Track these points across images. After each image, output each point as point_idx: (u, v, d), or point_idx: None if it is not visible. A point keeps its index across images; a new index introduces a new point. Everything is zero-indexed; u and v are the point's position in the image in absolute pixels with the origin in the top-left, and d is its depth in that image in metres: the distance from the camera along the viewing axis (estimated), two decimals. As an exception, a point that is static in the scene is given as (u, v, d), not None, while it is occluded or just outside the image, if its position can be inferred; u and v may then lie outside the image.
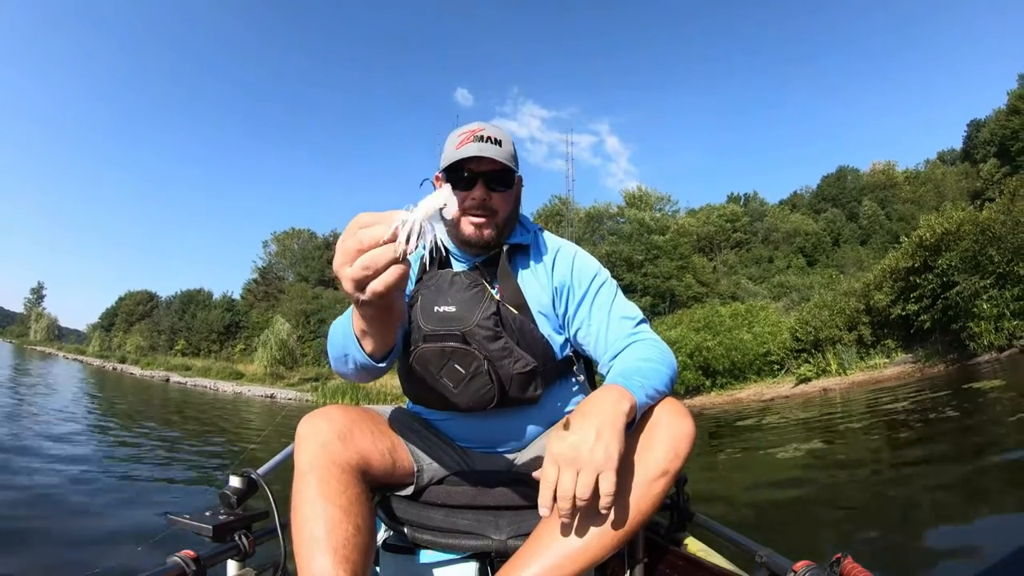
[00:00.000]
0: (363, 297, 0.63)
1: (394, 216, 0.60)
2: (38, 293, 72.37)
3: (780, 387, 14.39)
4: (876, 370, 13.23)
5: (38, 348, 57.01)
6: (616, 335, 1.03)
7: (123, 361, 39.04)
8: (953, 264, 12.03)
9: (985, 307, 11.18)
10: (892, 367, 13.16)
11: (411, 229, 0.60)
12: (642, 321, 1.06)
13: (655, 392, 0.87)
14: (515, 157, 1.09)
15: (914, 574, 2.25)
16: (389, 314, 0.75)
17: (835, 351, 14.07)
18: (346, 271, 0.62)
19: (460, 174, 1.04)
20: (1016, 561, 2.10)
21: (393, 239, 0.60)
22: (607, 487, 0.72)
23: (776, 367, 15.35)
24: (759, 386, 14.89)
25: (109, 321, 51.95)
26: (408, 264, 0.63)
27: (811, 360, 14.38)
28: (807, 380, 13.97)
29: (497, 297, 1.03)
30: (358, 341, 0.82)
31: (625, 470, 0.80)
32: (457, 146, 1.04)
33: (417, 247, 0.61)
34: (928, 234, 12.91)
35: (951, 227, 12.44)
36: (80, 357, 45.82)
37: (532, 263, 1.12)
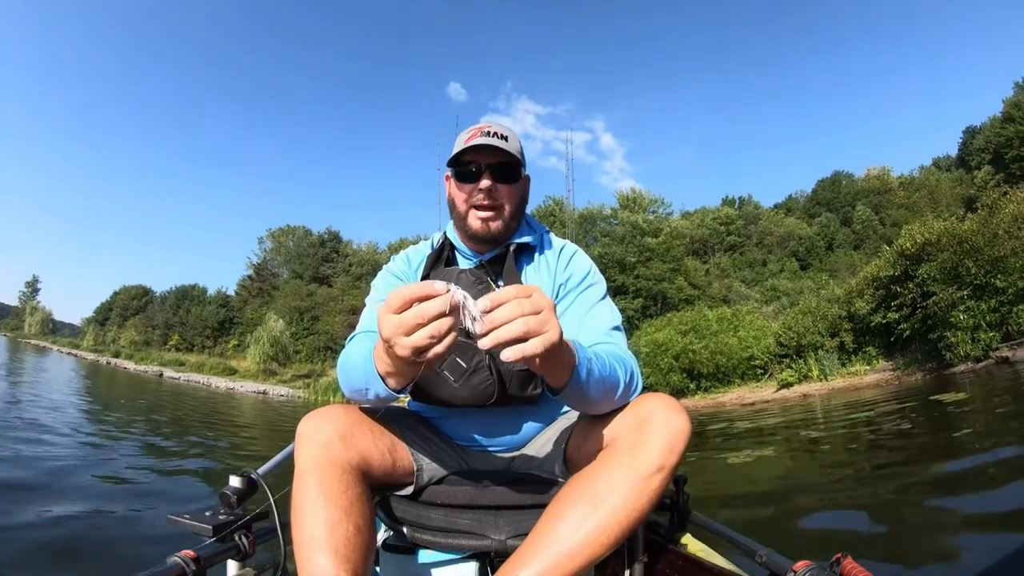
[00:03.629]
0: (424, 359, 0.69)
1: (436, 287, 0.67)
2: (33, 286, 72.09)
3: (763, 391, 14.52)
4: (856, 377, 13.37)
5: (32, 342, 56.82)
6: (586, 334, 1.03)
7: (117, 356, 39.14)
8: (932, 275, 12.15)
9: (962, 318, 11.30)
10: (872, 374, 13.30)
11: (468, 309, 0.68)
12: (616, 329, 1.06)
13: (597, 376, 0.83)
14: (521, 154, 1.11)
15: (913, 574, 2.31)
16: (434, 363, 0.77)
17: (817, 357, 14.21)
18: (405, 340, 0.67)
19: (468, 167, 1.07)
20: (1014, 562, 2.15)
21: (450, 311, 0.67)
22: (534, 345, 0.67)
23: (760, 371, 15.49)
24: (743, 390, 15.03)
25: (104, 315, 51.95)
26: (460, 330, 0.69)
27: (793, 366, 14.51)
28: (789, 385, 14.11)
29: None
30: (383, 380, 0.84)
31: (621, 467, 0.82)
32: (464, 142, 1.07)
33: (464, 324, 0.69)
34: (909, 244, 13.02)
35: (931, 237, 12.56)
36: (74, 351, 45.78)
37: (537, 262, 1.15)
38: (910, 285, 12.72)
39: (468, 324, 0.68)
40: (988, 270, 11.42)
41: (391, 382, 0.83)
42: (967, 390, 8.23)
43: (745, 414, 11.29)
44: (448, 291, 0.67)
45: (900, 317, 12.90)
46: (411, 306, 0.68)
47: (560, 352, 0.74)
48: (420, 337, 0.67)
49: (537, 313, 0.68)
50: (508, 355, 0.67)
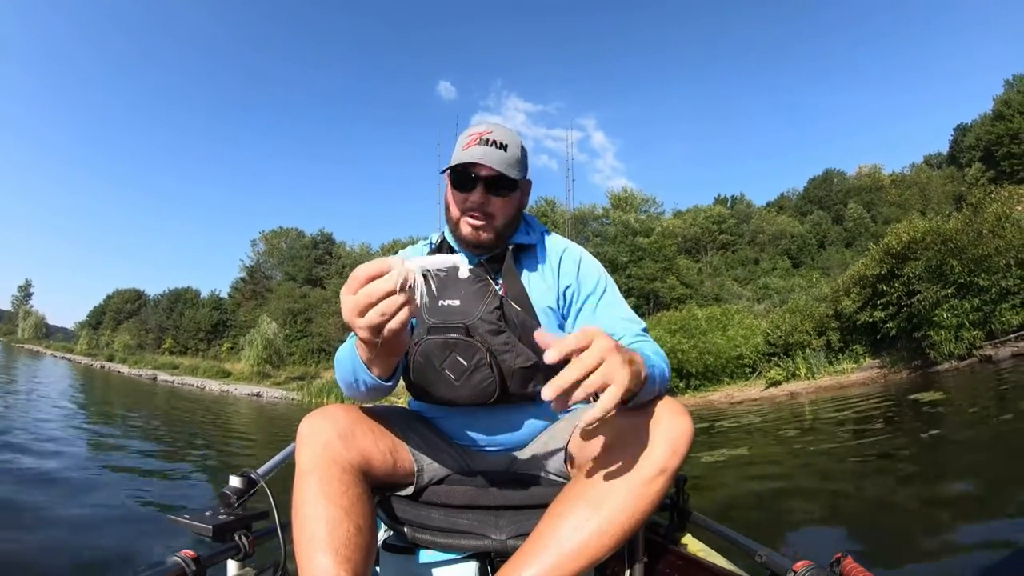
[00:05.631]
0: (381, 338, 0.71)
1: (391, 263, 0.68)
2: (26, 291, 71.89)
3: (751, 390, 14.58)
4: (843, 375, 13.43)
5: (26, 346, 56.62)
6: (623, 335, 1.04)
7: (111, 359, 39.01)
8: (917, 273, 12.20)
9: (945, 316, 11.36)
10: (859, 372, 13.37)
11: (414, 284, 0.69)
12: (645, 330, 1.09)
13: (657, 385, 0.85)
14: (520, 160, 1.10)
15: (913, 574, 2.33)
16: (398, 344, 0.80)
17: (804, 355, 14.27)
18: (360, 320, 0.69)
19: (463, 175, 1.07)
20: (1013, 562, 2.16)
21: (399, 288, 0.68)
22: (609, 398, 0.67)
23: (748, 370, 15.55)
24: (731, 389, 15.08)
25: (97, 319, 51.83)
26: (415, 304, 0.71)
27: (781, 364, 14.58)
28: (777, 383, 14.17)
29: (501, 293, 1.05)
30: (367, 367, 0.85)
31: (623, 469, 0.81)
32: (464, 147, 1.06)
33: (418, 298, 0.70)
34: (895, 242, 13.09)
35: (916, 236, 12.61)
36: (68, 355, 45.64)
37: (538, 263, 1.15)
38: (896, 284, 12.78)
39: (418, 298, 0.69)
40: (972, 269, 11.46)
41: (375, 370, 0.84)
42: (945, 389, 8.29)
43: (732, 412, 11.34)
44: (401, 266, 0.68)
45: (886, 315, 12.95)
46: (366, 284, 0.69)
47: (637, 385, 0.74)
48: (372, 317, 0.68)
49: (602, 361, 0.67)
50: (588, 417, 0.68)
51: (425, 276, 0.71)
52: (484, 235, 1.08)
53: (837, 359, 14.18)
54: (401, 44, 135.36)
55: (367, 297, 0.68)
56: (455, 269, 0.73)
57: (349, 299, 0.70)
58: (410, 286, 0.69)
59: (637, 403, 0.82)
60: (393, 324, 0.69)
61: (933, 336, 11.43)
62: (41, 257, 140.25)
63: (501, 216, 1.09)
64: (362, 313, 0.69)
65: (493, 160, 1.04)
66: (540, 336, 0.70)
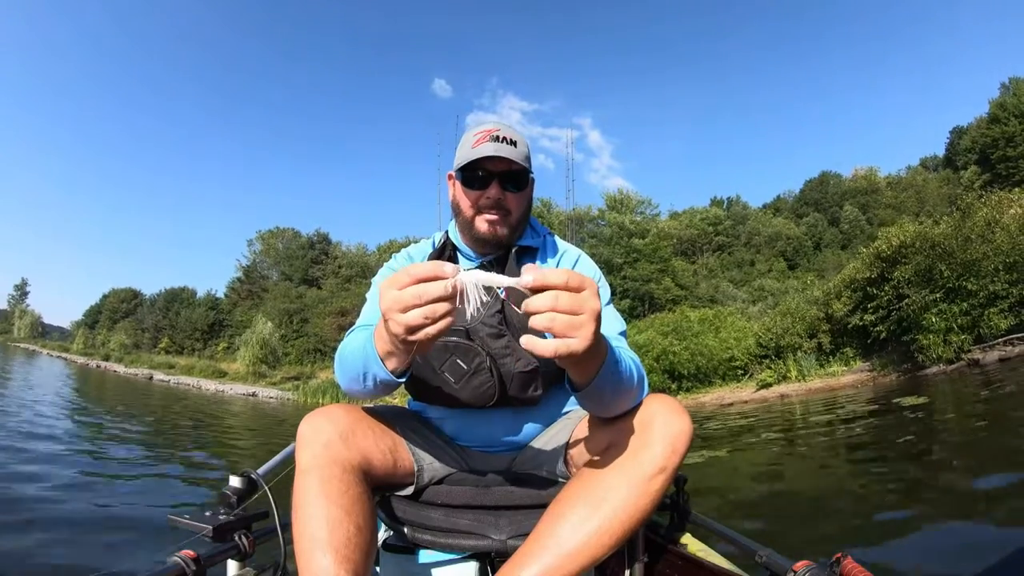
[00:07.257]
0: (414, 338, 0.69)
1: (446, 270, 0.67)
2: (22, 290, 71.76)
3: (742, 392, 14.63)
4: (833, 377, 13.49)
5: (22, 345, 56.65)
6: None
7: (107, 359, 38.88)
8: (907, 277, 12.25)
9: (934, 320, 11.41)
10: (849, 375, 13.43)
11: (468, 295, 0.67)
12: (623, 334, 1.08)
13: (619, 379, 0.82)
14: (528, 158, 1.10)
15: (913, 574, 2.36)
16: (427, 345, 0.77)
17: (795, 358, 14.32)
18: (400, 317, 0.68)
19: (475, 173, 1.06)
20: (1013, 562, 2.19)
21: (450, 296, 0.67)
22: (545, 347, 0.65)
23: (740, 372, 15.59)
24: (722, 390, 15.13)
25: (93, 319, 51.69)
26: (458, 315, 0.69)
27: (772, 366, 14.62)
28: (768, 386, 14.22)
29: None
30: (382, 361, 0.83)
31: (623, 468, 0.81)
32: (473, 145, 1.05)
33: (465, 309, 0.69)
34: (885, 246, 13.14)
35: (906, 240, 12.66)
36: (64, 355, 45.57)
37: (539, 265, 1.16)
38: (886, 287, 12.84)
39: (470, 311, 0.68)
40: (961, 273, 11.53)
41: (389, 363, 0.83)
42: (930, 393, 8.34)
43: (723, 414, 11.37)
44: (455, 274, 0.68)
45: (876, 319, 13.03)
46: (416, 284, 0.68)
47: (587, 357, 0.70)
48: (414, 316, 0.67)
49: (573, 314, 0.65)
50: (524, 343, 0.66)
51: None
52: (500, 230, 1.08)
53: (828, 362, 14.25)
54: (396, 42, 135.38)
55: (416, 297, 0.67)
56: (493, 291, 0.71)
57: (394, 293, 0.69)
58: (461, 297, 0.68)
59: (599, 388, 0.80)
60: (432, 329, 0.68)
61: (922, 340, 11.50)
62: (37, 256, 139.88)
63: (516, 211, 1.09)
64: (405, 310, 0.68)
65: (508, 155, 1.04)
66: (526, 341, 0.66)
